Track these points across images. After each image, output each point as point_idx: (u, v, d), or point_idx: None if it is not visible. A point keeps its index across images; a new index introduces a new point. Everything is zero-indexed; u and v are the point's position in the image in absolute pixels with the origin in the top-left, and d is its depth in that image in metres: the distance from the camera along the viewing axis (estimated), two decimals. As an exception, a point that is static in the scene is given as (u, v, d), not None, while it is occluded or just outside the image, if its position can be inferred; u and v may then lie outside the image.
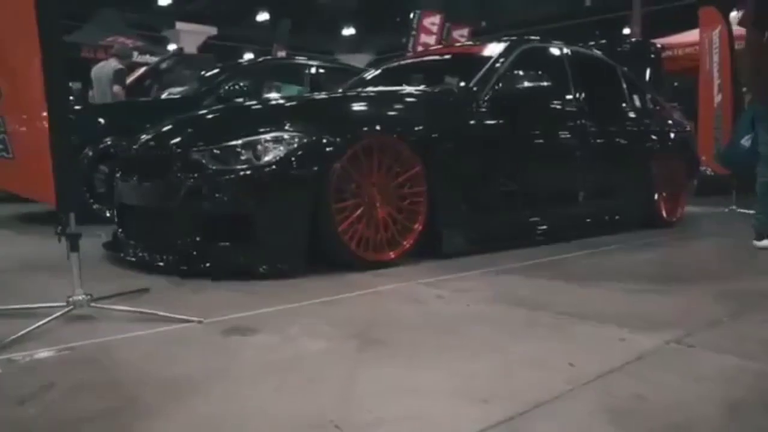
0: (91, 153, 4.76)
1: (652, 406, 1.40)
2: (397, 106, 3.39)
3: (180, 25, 17.67)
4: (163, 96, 6.12)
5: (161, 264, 2.85)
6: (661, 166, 4.85)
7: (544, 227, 3.87)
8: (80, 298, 2.08)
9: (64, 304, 2.07)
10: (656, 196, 4.81)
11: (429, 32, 12.77)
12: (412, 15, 12.81)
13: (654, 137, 4.90)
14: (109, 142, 4.79)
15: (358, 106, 3.38)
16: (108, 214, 4.24)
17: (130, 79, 7.57)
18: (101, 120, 5.08)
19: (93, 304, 2.10)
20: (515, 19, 19.31)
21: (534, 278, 2.84)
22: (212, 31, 18.18)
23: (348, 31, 25.07)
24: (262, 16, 22.86)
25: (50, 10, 2.00)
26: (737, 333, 2.00)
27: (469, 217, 3.39)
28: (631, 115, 4.88)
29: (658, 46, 7.95)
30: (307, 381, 1.54)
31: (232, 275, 2.68)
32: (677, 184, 5.07)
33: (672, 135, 5.16)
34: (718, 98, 6.73)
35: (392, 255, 3.02)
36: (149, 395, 1.46)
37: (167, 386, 1.51)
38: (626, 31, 11.49)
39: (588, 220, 4.27)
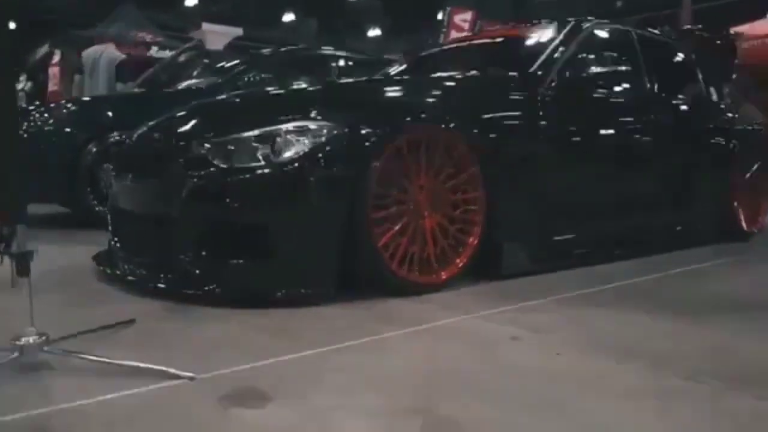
0: (95, 149, 4.24)
1: None
2: (451, 93, 2.76)
3: (206, 26, 17.53)
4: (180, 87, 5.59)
5: (162, 285, 2.29)
6: (741, 169, 4.18)
7: (625, 241, 3.25)
8: (31, 341, 1.52)
9: (10, 348, 1.51)
10: (735, 204, 4.13)
11: (460, 29, 12.26)
12: (441, 14, 12.33)
13: (734, 135, 4.22)
14: (116, 137, 4.28)
15: (401, 92, 2.77)
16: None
17: (147, 73, 7.05)
18: (108, 113, 4.57)
19: (47, 348, 1.54)
20: (548, 18, 18.68)
21: (626, 312, 2.19)
22: (238, 32, 17.95)
23: (374, 32, 24.65)
24: (288, 17, 22.65)
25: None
26: None
27: (537, 229, 2.77)
28: (709, 109, 4.22)
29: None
30: None
31: (244, 301, 2.11)
32: (759, 189, 4.38)
33: (754, 134, 4.48)
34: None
35: (444, 276, 2.40)
36: None
37: None
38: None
39: (662, 230, 3.63)
